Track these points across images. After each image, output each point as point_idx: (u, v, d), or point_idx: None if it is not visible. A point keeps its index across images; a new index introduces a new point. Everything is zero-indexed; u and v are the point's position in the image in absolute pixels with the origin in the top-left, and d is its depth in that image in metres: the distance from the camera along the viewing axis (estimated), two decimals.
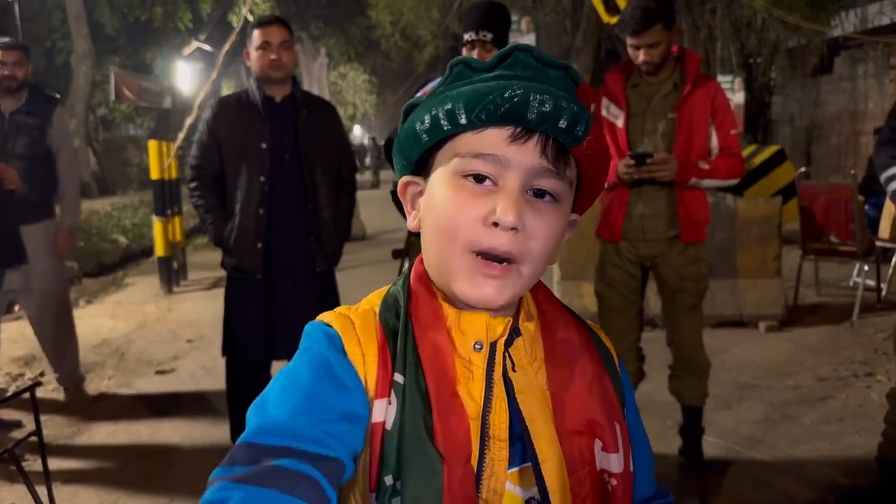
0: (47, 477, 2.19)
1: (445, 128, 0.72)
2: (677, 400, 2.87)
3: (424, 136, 0.74)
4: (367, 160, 26.44)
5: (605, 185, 1.05)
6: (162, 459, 3.09)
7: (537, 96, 0.68)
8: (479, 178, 0.72)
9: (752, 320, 4.85)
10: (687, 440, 2.86)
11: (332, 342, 0.73)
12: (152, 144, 6.63)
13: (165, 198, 6.64)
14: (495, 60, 0.73)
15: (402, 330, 0.74)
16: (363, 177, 22.73)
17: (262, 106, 2.81)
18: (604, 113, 2.74)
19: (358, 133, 36.04)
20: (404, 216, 0.84)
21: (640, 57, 2.62)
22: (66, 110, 4.18)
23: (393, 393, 0.71)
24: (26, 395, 2.13)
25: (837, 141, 11.20)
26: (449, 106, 0.71)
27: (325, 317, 0.77)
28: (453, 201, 0.72)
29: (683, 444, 2.87)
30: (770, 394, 3.66)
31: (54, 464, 2.67)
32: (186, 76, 13.97)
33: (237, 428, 2.98)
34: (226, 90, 16.78)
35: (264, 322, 2.86)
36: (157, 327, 5.34)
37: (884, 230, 5.28)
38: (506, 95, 0.68)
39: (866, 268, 5.15)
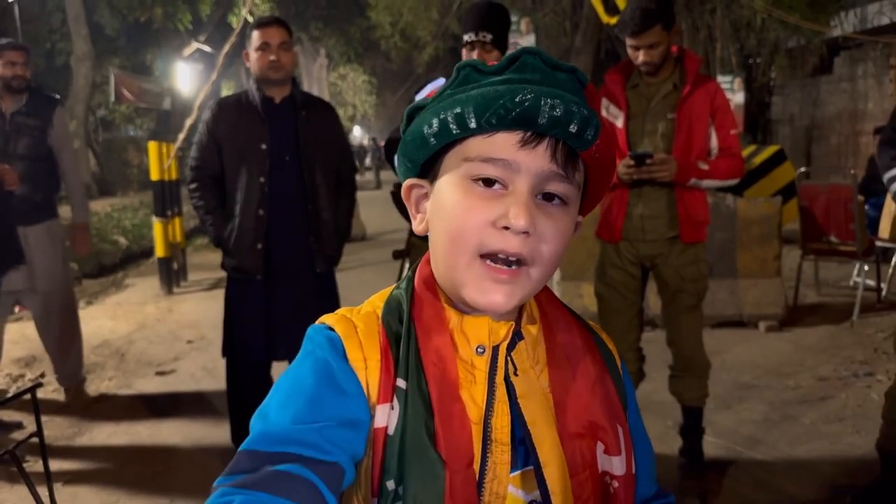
0: (48, 478, 2.19)
1: (455, 131, 0.72)
2: (677, 400, 2.87)
3: (432, 139, 0.74)
4: (368, 161, 26.46)
5: None
6: (162, 460, 3.09)
7: (548, 101, 0.68)
8: (488, 182, 0.72)
9: (752, 320, 4.85)
10: (687, 440, 2.86)
11: (333, 347, 0.74)
12: (152, 145, 6.63)
13: (165, 199, 6.65)
14: (504, 63, 0.73)
15: (404, 334, 0.74)
16: (364, 178, 22.75)
17: (262, 107, 2.81)
18: (603, 113, 2.75)
19: (358, 134, 36.04)
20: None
21: (640, 58, 2.62)
22: (66, 111, 4.19)
23: (395, 398, 0.71)
24: (27, 396, 2.13)
25: (837, 141, 11.20)
26: (458, 109, 0.71)
27: (327, 319, 0.77)
28: (463, 204, 0.72)
29: (684, 445, 2.87)
30: (770, 394, 3.66)
31: (55, 465, 2.67)
32: (186, 77, 13.98)
33: (237, 428, 2.98)
34: (225, 91, 16.78)
35: (264, 323, 2.86)
36: (157, 328, 5.34)
37: (884, 230, 5.29)
38: (517, 100, 0.68)
39: (866, 268, 5.15)
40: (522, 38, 8.25)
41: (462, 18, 3.35)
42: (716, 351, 3.80)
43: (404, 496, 0.68)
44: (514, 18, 7.35)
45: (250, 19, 8.30)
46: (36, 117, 3.46)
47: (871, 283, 5.33)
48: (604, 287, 2.83)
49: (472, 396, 0.72)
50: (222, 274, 3.01)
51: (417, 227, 0.80)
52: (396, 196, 2.94)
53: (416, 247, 2.97)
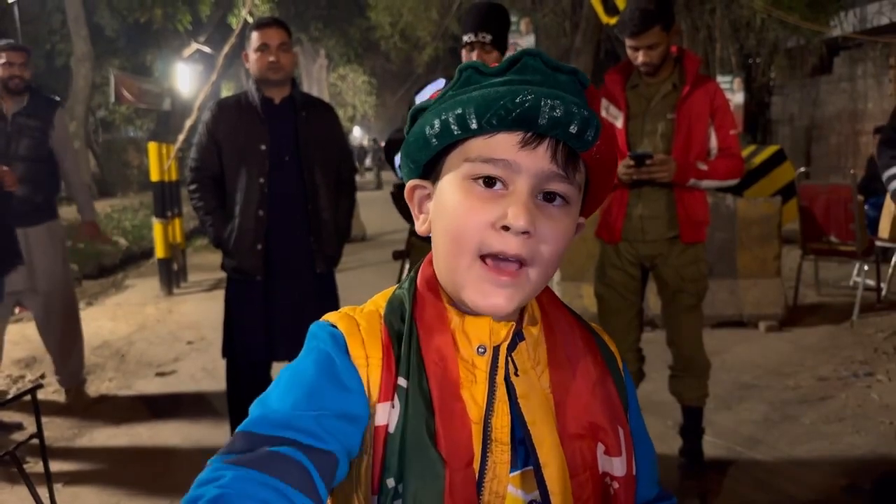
0: (48, 479, 2.19)
1: (456, 132, 0.73)
2: (677, 400, 2.87)
3: (434, 140, 0.75)
4: (368, 161, 26.45)
5: None
6: (162, 461, 3.09)
7: (548, 101, 0.68)
8: (489, 183, 0.72)
9: (752, 320, 4.85)
10: (687, 440, 2.87)
11: (336, 343, 0.74)
12: (152, 146, 6.63)
13: (165, 199, 6.65)
14: (505, 65, 0.74)
15: (406, 333, 0.74)
16: (364, 178, 22.75)
17: (262, 108, 2.81)
18: (603, 114, 2.75)
19: (358, 134, 36.05)
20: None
21: (640, 58, 2.62)
22: (66, 112, 4.20)
23: (396, 396, 0.72)
24: (27, 397, 2.13)
25: (837, 141, 11.20)
26: (459, 110, 0.71)
27: (330, 317, 0.78)
28: (463, 205, 0.72)
29: (684, 445, 2.87)
30: (770, 394, 3.67)
31: (55, 466, 2.67)
32: (186, 78, 13.98)
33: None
34: (225, 92, 16.79)
35: (264, 323, 2.86)
36: (157, 329, 5.34)
37: (883, 230, 5.29)
38: (517, 100, 0.69)
39: (866, 268, 5.16)
40: (522, 38, 8.26)
41: (462, 19, 3.35)
42: (716, 351, 3.80)
43: (404, 494, 0.68)
44: (513, 19, 7.36)
45: (250, 20, 8.29)
46: (37, 118, 3.47)
47: (871, 282, 5.33)
48: (603, 287, 2.83)
49: (473, 396, 0.73)
50: (222, 275, 3.01)
51: (420, 228, 0.81)
52: (396, 197, 2.94)
53: (416, 247, 2.97)
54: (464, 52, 2.57)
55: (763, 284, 4.92)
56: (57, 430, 3.41)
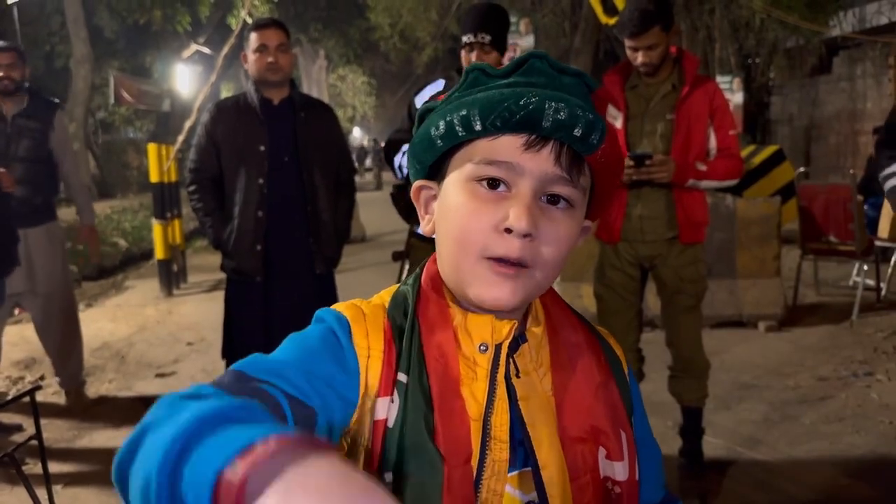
0: (47, 480, 2.19)
1: (460, 134, 0.73)
2: (677, 401, 2.87)
3: (439, 141, 0.75)
4: (368, 162, 26.45)
5: None
6: None
7: (552, 104, 0.68)
8: (492, 184, 0.72)
9: (752, 320, 4.85)
10: (687, 441, 2.86)
11: (342, 326, 0.75)
12: (152, 147, 6.63)
13: (165, 201, 6.65)
14: (511, 67, 0.74)
15: (408, 329, 0.75)
16: (364, 179, 22.74)
17: (261, 108, 2.81)
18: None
19: (357, 135, 36.04)
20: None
21: (639, 58, 2.62)
22: (66, 114, 4.20)
23: (396, 391, 0.72)
24: (26, 398, 2.13)
25: (836, 141, 11.20)
26: (464, 112, 0.72)
27: (337, 306, 0.78)
28: (467, 206, 0.73)
29: (683, 445, 2.87)
30: (770, 394, 3.67)
31: (54, 467, 2.67)
32: (185, 79, 13.98)
33: None
34: (225, 93, 16.78)
35: (264, 324, 2.86)
36: (157, 330, 5.34)
37: (883, 230, 5.29)
38: (521, 103, 0.69)
39: (865, 267, 5.16)
40: (521, 38, 8.26)
41: (461, 19, 3.35)
42: (715, 351, 3.80)
43: (403, 489, 0.69)
44: (513, 19, 7.37)
45: (249, 21, 8.29)
46: (37, 120, 3.47)
47: (871, 282, 5.33)
48: (603, 288, 2.83)
49: (473, 393, 0.73)
50: (222, 276, 3.01)
51: (425, 228, 0.81)
52: (396, 197, 2.94)
53: (415, 248, 2.96)
54: (463, 53, 2.57)
55: (762, 284, 4.92)
56: (56, 432, 3.40)
